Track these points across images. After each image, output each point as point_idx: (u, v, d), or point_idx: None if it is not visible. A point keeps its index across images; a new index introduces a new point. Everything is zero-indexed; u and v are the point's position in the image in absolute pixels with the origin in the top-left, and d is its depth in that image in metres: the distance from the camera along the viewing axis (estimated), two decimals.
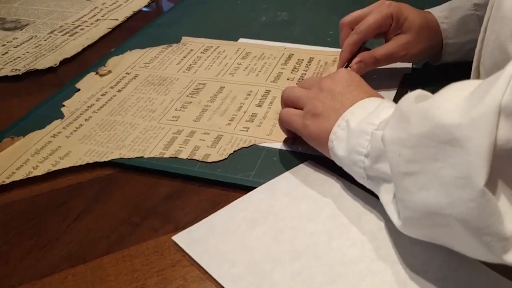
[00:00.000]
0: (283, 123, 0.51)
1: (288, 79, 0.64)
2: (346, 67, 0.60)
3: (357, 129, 0.42)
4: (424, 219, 0.34)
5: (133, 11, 0.87)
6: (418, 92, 0.39)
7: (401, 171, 0.35)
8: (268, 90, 0.62)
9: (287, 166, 0.49)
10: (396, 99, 0.60)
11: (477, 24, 0.60)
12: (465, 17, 0.60)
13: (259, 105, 0.59)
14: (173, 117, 0.57)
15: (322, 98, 0.47)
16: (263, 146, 0.52)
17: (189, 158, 0.50)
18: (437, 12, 0.61)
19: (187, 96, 0.61)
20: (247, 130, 0.54)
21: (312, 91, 0.49)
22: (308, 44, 0.74)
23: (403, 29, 0.59)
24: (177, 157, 0.50)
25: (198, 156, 0.50)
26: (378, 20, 0.59)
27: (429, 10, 0.62)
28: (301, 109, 0.49)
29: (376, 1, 0.62)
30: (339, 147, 0.43)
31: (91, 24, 0.82)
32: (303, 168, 0.49)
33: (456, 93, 0.33)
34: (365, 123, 0.42)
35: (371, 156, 0.40)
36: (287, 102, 0.51)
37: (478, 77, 0.47)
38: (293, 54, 0.70)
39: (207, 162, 0.50)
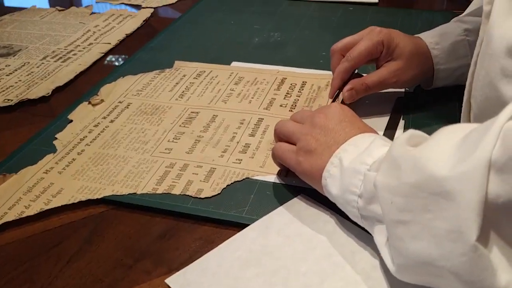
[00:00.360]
0: (277, 159, 0.51)
1: (281, 106, 0.64)
2: (338, 94, 0.61)
3: (350, 168, 0.42)
4: (418, 268, 0.34)
5: (126, 34, 0.87)
6: (410, 133, 0.39)
7: (393, 219, 0.35)
8: (261, 118, 0.62)
9: (281, 201, 0.49)
10: (389, 126, 0.60)
11: (468, 49, 0.60)
12: (456, 42, 0.60)
13: (252, 135, 0.59)
14: (165, 149, 0.57)
15: (315, 134, 0.47)
16: (256, 179, 0.52)
17: (182, 193, 0.50)
18: (428, 38, 0.61)
19: (180, 126, 0.61)
20: (240, 162, 0.54)
21: (305, 126, 0.48)
22: (301, 66, 0.74)
23: (394, 56, 0.59)
24: (170, 193, 0.50)
25: (191, 191, 0.50)
26: (369, 47, 0.59)
27: (420, 35, 0.62)
28: (294, 144, 0.49)
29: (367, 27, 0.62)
30: (333, 185, 0.43)
31: (84, 48, 0.82)
32: (296, 203, 0.48)
33: (447, 141, 0.33)
34: (358, 162, 0.41)
35: (364, 197, 0.40)
36: (280, 136, 0.51)
37: (469, 110, 0.47)
38: (286, 78, 0.70)
39: (200, 198, 0.49)
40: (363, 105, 0.63)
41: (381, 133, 0.59)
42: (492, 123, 0.30)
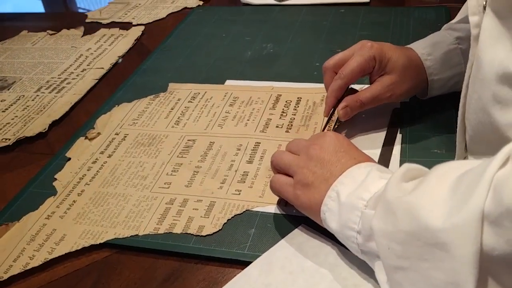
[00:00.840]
0: (275, 192, 0.51)
1: (277, 127, 0.64)
2: (333, 112, 0.60)
3: (348, 203, 0.42)
4: None
5: (118, 56, 0.87)
6: (406, 168, 0.39)
7: (392, 265, 0.35)
8: (258, 142, 0.61)
9: (282, 232, 0.49)
10: (386, 141, 0.60)
11: (461, 57, 0.59)
12: (448, 51, 0.59)
13: (249, 161, 0.59)
14: (165, 183, 0.57)
15: (312, 167, 0.46)
16: (257, 211, 0.52)
17: (183, 232, 0.50)
18: (420, 49, 0.60)
19: (178, 156, 0.61)
20: (239, 193, 0.54)
21: (301, 158, 0.48)
22: (295, 80, 0.74)
23: (387, 70, 0.59)
24: (171, 232, 0.50)
25: (192, 229, 0.50)
26: (361, 63, 0.58)
27: (411, 46, 0.62)
28: (291, 176, 0.49)
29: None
30: (332, 219, 0.43)
31: (77, 76, 0.82)
32: (297, 235, 0.49)
33: (440, 185, 0.33)
34: (355, 197, 0.41)
35: (363, 234, 0.40)
36: (277, 168, 0.51)
37: (464, 129, 0.47)
38: (281, 95, 0.70)
39: (201, 236, 0.50)
40: (360, 119, 0.62)
41: (379, 150, 0.58)
42: (484, 170, 0.30)
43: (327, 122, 0.60)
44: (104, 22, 1.01)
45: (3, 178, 0.62)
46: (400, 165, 0.54)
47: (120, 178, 0.58)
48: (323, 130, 0.60)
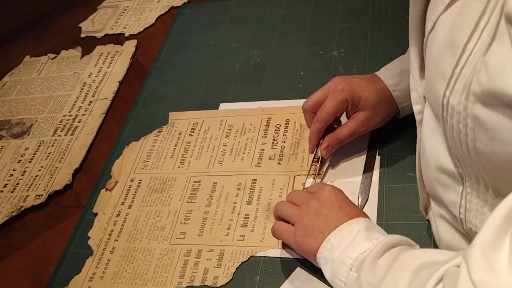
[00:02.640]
0: (276, 237, 0.61)
1: (270, 159, 0.72)
2: (317, 149, 0.67)
3: (338, 259, 0.51)
4: None
5: (118, 81, 0.93)
6: (383, 242, 0.48)
7: None
8: (254, 179, 0.70)
9: (282, 276, 0.59)
10: (366, 167, 0.67)
11: None
12: None
13: (249, 202, 0.67)
14: (180, 233, 0.67)
15: (310, 219, 0.56)
16: (260, 256, 0.62)
17: (202, 284, 0.61)
18: (388, 79, 0.65)
19: (187, 202, 0.70)
20: (243, 239, 0.64)
21: (301, 210, 0.57)
22: (282, 96, 0.80)
23: (360, 107, 0.65)
24: (192, 286, 0.61)
25: (209, 280, 0.61)
26: (335, 106, 0.64)
27: (380, 74, 0.66)
28: (292, 224, 0.58)
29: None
30: (326, 268, 0.53)
31: (86, 111, 0.90)
32: (295, 279, 0.59)
33: (401, 278, 0.42)
34: (344, 255, 0.51)
35: (348, 286, 0.50)
36: (279, 217, 0.60)
37: (423, 181, 0.54)
38: (271, 118, 0.77)
39: (217, 287, 0.60)
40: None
41: (360, 177, 0.66)
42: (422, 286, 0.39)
43: (313, 157, 0.68)
44: (98, 36, 1.06)
45: (45, 237, 0.73)
46: (379, 193, 0.64)
47: (142, 231, 0.69)
48: (311, 166, 0.68)
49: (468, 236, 0.47)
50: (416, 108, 0.48)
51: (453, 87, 0.36)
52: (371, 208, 0.63)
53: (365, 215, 0.56)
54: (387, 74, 0.66)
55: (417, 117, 0.49)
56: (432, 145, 0.46)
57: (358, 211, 0.56)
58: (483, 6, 0.33)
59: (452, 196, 0.46)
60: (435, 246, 0.55)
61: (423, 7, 0.44)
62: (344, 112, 0.67)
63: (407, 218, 0.61)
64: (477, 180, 0.42)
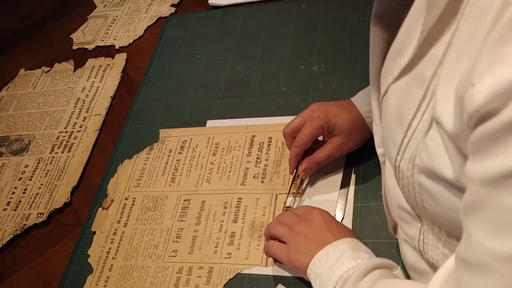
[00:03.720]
0: (270, 255, 0.66)
1: (254, 177, 0.77)
2: (296, 171, 0.72)
3: (325, 275, 0.57)
4: None
5: (110, 97, 0.97)
6: (366, 266, 0.53)
7: None
8: (240, 198, 0.75)
9: None
10: (343, 184, 0.72)
11: None
12: None
13: (235, 221, 0.73)
14: (172, 251, 0.72)
15: (301, 239, 0.61)
16: (244, 274, 0.68)
17: None
18: (362, 106, 0.70)
19: (178, 220, 0.76)
20: (230, 257, 0.70)
21: (292, 231, 0.63)
22: (265, 112, 0.84)
23: (335, 133, 0.69)
24: None
25: None
26: (311, 133, 0.69)
27: (355, 101, 0.71)
28: (284, 242, 0.64)
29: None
30: (315, 282, 0.59)
31: (81, 127, 0.94)
32: None
33: None
34: (330, 272, 0.57)
35: None
36: (271, 236, 0.66)
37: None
38: (254, 136, 0.82)
39: None
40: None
41: (337, 194, 0.71)
42: None
43: (293, 178, 0.73)
44: (90, 47, 1.09)
45: (48, 254, 0.79)
46: (354, 211, 0.69)
47: (137, 249, 0.74)
48: (291, 185, 0.73)
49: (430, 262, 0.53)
50: (378, 151, 0.53)
51: (402, 155, 0.41)
52: (347, 226, 0.68)
53: (353, 235, 0.62)
54: (360, 100, 0.71)
55: (380, 159, 0.53)
56: (392, 186, 0.51)
57: (346, 232, 0.62)
58: (423, 92, 0.38)
59: (412, 230, 0.51)
60: (403, 264, 0.61)
61: (381, 65, 0.49)
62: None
63: (378, 236, 0.66)
64: (432, 222, 0.47)
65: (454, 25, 0.34)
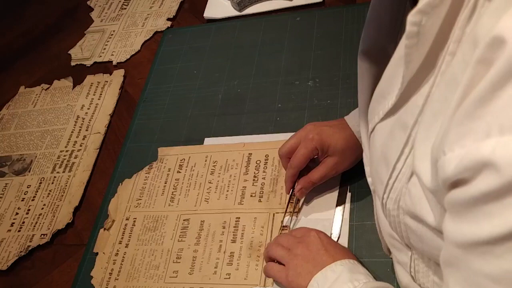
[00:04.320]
0: (270, 276, 0.68)
1: (251, 196, 0.78)
2: (293, 191, 0.74)
3: None
4: None
5: (109, 114, 0.99)
6: None
7: None
8: (238, 218, 0.77)
9: None
10: (338, 202, 0.74)
11: None
12: None
13: (233, 241, 0.74)
14: (173, 272, 0.74)
15: (299, 261, 0.63)
16: None
17: None
18: (355, 126, 0.71)
19: (178, 240, 0.77)
20: (229, 277, 0.71)
21: (291, 253, 0.64)
22: (262, 129, 0.86)
23: (329, 153, 0.71)
24: None
25: None
26: (306, 154, 0.70)
27: (348, 120, 0.72)
28: (283, 264, 0.65)
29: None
30: None
31: (81, 146, 0.96)
32: None
33: None
34: None
35: None
36: (271, 258, 0.67)
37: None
38: (251, 154, 0.83)
39: None
40: None
41: (333, 213, 0.73)
42: None
43: (290, 197, 0.74)
44: (88, 64, 1.11)
45: (53, 275, 0.81)
46: (350, 230, 0.70)
47: (139, 270, 0.76)
48: (287, 204, 0.74)
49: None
50: (368, 180, 0.54)
51: (388, 194, 0.42)
52: (343, 245, 0.69)
53: (350, 256, 0.63)
54: (354, 120, 0.72)
55: (370, 187, 0.55)
56: (382, 216, 0.52)
57: (343, 252, 0.63)
58: (406, 138, 0.39)
59: (403, 257, 0.52)
60: (398, 284, 0.62)
61: (369, 99, 0.50)
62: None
63: (374, 255, 0.68)
64: (421, 253, 0.48)
65: (432, 78, 0.35)
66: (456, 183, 0.29)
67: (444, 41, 0.33)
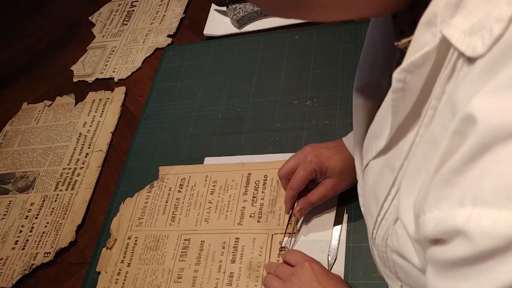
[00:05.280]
0: None
1: (250, 216, 0.80)
2: (292, 212, 0.75)
3: None
4: None
5: (111, 132, 1.00)
6: None
7: None
8: (237, 238, 0.78)
9: None
10: (336, 222, 0.75)
11: None
12: None
13: (233, 261, 0.76)
14: None
15: None
16: None
17: None
18: (352, 149, 0.72)
19: (179, 260, 0.79)
20: None
21: (285, 285, 0.66)
22: (261, 148, 0.87)
23: (328, 175, 0.72)
24: None
25: None
26: (305, 176, 0.72)
27: (346, 142, 0.73)
28: None
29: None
30: None
31: (83, 163, 0.97)
32: None
33: None
34: None
35: None
36: None
37: None
38: (250, 174, 0.84)
39: None
40: None
41: (330, 233, 0.74)
42: None
43: (290, 217, 0.76)
44: (90, 80, 1.12)
45: None
46: (346, 252, 0.72)
47: None
48: (287, 225, 0.76)
49: None
50: (362, 209, 0.56)
51: (377, 231, 0.44)
52: (339, 267, 0.71)
53: (344, 286, 0.65)
54: (351, 143, 0.73)
55: (364, 217, 0.56)
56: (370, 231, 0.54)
57: (336, 283, 0.64)
58: (393, 180, 0.40)
59: (394, 286, 0.54)
60: None
61: (364, 134, 0.51)
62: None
63: (370, 277, 0.69)
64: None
65: (416, 127, 0.37)
66: (435, 241, 0.30)
67: (427, 96, 0.35)
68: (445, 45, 0.32)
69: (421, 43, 0.33)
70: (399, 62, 0.36)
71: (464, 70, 0.31)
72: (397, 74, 0.34)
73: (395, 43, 0.40)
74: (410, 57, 0.34)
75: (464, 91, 0.29)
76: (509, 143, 0.26)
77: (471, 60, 0.30)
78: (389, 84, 0.51)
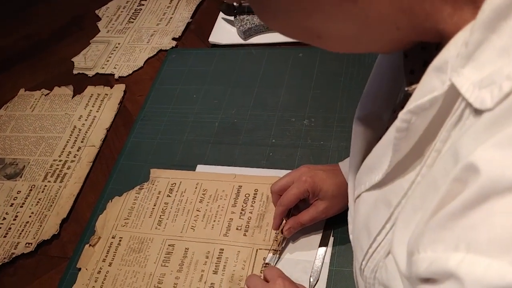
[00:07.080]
0: None
1: (237, 229, 0.80)
2: (280, 229, 0.75)
3: None
4: None
5: (106, 129, 1.00)
6: None
7: None
8: (222, 249, 0.78)
9: None
10: (321, 243, 0.76)
11: None
12: None
13: (215, 272, 0.76)
14: None
15: None
16: None
17: None
18: (347, 174, 0.73)
19: (161, 265, 0.79)
20: None
21: None
22: (254, 162, 0.87)
23: (320, 197, 0.73)
24: None
25: None
26: (297, 194, 0.72)
27: (341, 166, 0.74)
28: None
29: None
30: None
31: (75, 157, 0.97)
32: None
33: None
34: None
35: None
36: None
37: None
38: (241, 187, 0.85)
39: None
40: None
41: (314, 254, 0.75)
42: None
43: (276, 234, 0.76)
44: (90, 74, 1.12)
45: (33, 286, 0.82)
46: (329, 275, 0.72)
47: None
48: (273, 242, 0.76)
49: None
50: (350, 236, 0.56)
51: (367, 263, 0.44)
52: None
53: None
54: (346, 168, 0.74)
55: (352, 244, 0.57)
56: (360, 278, 0.54)
57: None
58: (389, 215, 0.41)
59: None
60: None
61: (360, 163, 0.52)
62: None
63: None
64: None
65: (418, 167, 0.38)
66: (426, 280, 0.31)
67: (431, 137, 0.36)
68: (453, 92, 0.32)
69: (430, 87, 0.34)
70: (403, 101, 0.37)
71: (471, 120, 0.31)
72: (403, 115, 0.35)
73: (406, 88, 0.41)
74: (417, 99, 0.34)
75: (469, 141, 0.30)
76: (507, 196, 0.27)
77: (478, 112, 0.30)
78: (389, 118, 0.52)
